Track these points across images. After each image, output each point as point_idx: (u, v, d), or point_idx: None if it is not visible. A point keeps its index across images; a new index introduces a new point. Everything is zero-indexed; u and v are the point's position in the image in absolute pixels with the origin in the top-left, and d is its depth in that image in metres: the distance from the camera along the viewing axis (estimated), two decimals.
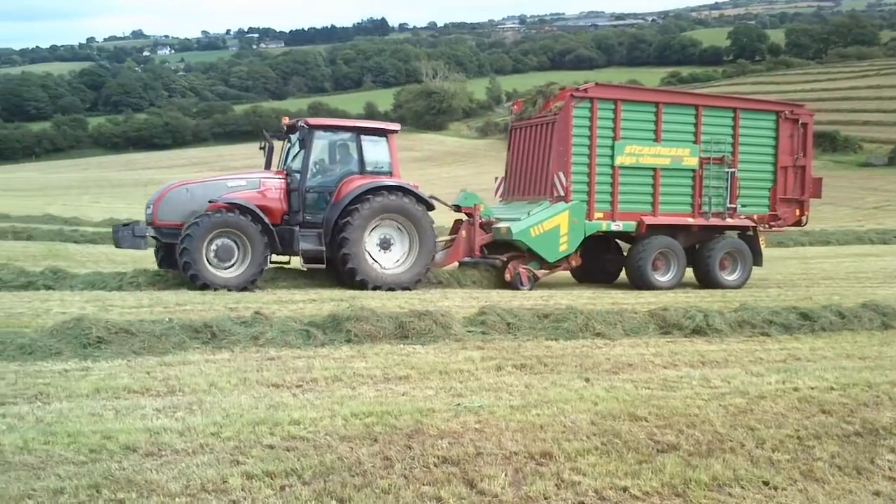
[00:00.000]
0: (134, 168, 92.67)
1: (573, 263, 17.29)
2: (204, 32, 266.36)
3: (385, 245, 15.48)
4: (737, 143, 18.08)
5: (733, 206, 17.98)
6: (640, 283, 17.11)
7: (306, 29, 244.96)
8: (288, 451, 5.75)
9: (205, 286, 13.82)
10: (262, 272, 14.50)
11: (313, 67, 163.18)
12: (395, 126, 16.43)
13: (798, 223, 19.28)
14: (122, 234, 14.74)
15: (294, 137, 15.80)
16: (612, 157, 16.99)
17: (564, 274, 18.37)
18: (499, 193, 19.18)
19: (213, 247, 14.11)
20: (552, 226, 16.47)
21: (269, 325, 9.81)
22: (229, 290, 13.82)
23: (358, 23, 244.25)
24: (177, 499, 4.83)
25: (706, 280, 17.84)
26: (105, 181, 78.04)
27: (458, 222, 17.39)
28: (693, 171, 17.68)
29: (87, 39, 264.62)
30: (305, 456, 5.63)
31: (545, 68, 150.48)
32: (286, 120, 16.19)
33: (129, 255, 19.20)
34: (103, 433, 5.96)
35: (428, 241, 15.47)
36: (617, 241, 18.65)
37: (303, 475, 5.27)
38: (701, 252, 17.87)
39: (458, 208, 17.22)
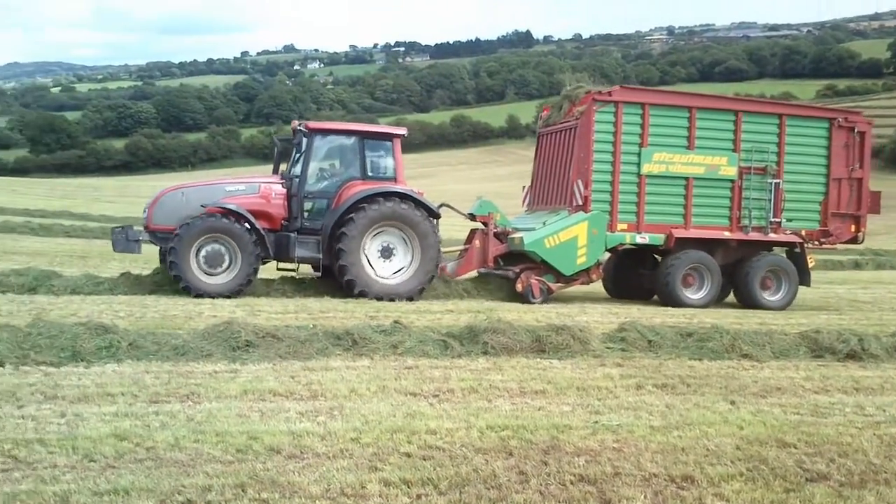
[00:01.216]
0: None
1: (594, 277, 16.37)
2: (352, 46, 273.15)
3: (387, 254, 14.81)
4: (782, 153, 16.78)
5: (777, 220, 16.72)
6: (668, 299, 16.11)
7: (451, 42, 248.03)
8: (424, 460, 5.79)
9: (198, 295, 13.54)
10: (250, 280, 14.07)
11: (457, 80, 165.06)
12: (401, 130, 15.92)
13: (853, 240, 17.58)
14: (117, 237, 14.56)
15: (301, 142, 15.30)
16: (639, 164, 16.06)
17: (596, 289, 17.70)
18: (525, 203, 18.51)
19: (203, 253, 13.84)
20: (569, 237, 15.58)
21: (407, 335, 9.93)
22: (213, 297, 13.46)
23: (502, 35, 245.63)
24: (317, 501, 4.93)
25: (745, 299, 16.67)
26: None
27: (473, 232, 16.72)
28: (731, 181, 16.53)
29: (242, 53, 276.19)
30: (441, 466, 5.65)
31: (694, 80, 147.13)
32: (295, 124, 15.41)
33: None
34: (249, 434, 6.17)
35: (430, 251, 14.71)
36: (655, 255, 17.36)
37: (438, 485, 5.29)
38: (740, 269, 16.64)
39: (472, 217, 16.61)
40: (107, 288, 13.86)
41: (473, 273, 16.68)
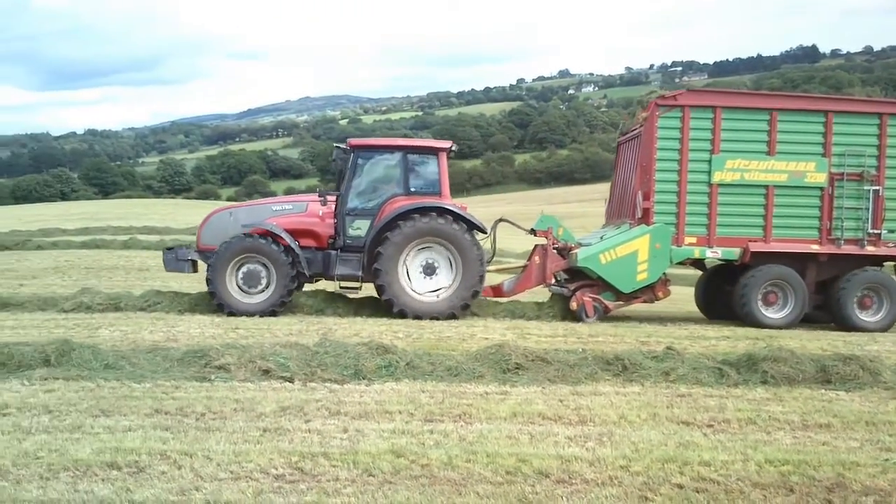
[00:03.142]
0: (553, 202, 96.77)
1: (660, 295, 14.89)
2: (627, 68, 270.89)
3: (430, 270, 14.33)
4: (883, 156, 14.66)
5: (878, 231, 14.65)
6: (745, 318, 14.64)
7: (731, 59, 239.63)
8: (697, 492, 5.58)
9: (231, 313, 13.72)
10: (284, 301, 14.00)
11: None
12: (446, 144, 15.17)
13: None
14: (167, 257, 14.89)
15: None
16: (710, 173, 14.57)
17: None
18: (606, 216, 17.14)
19: (242, 272, 14.01)
20: (627, 251, 14.40)
21: (680, 361, 9.64)
22: (248, 315, 13.62)
23: (786, 51, 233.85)
24: None
25: (839, 319, 14.77)
26: (521, 215, 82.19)
27: (535, 248, 15.66)
28: (820, 188, 14.64)
29: (518, 81, 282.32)
30: (716, 500, 5.43)
31: None
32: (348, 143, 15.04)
33: None
34: (518, 456, 6.23)
35: (472, 266, 14.10)
36: None
37: None
38: (833, 286, 14.77)
39: (533, 232, 15.72)
40: (386, 311, 14.59)
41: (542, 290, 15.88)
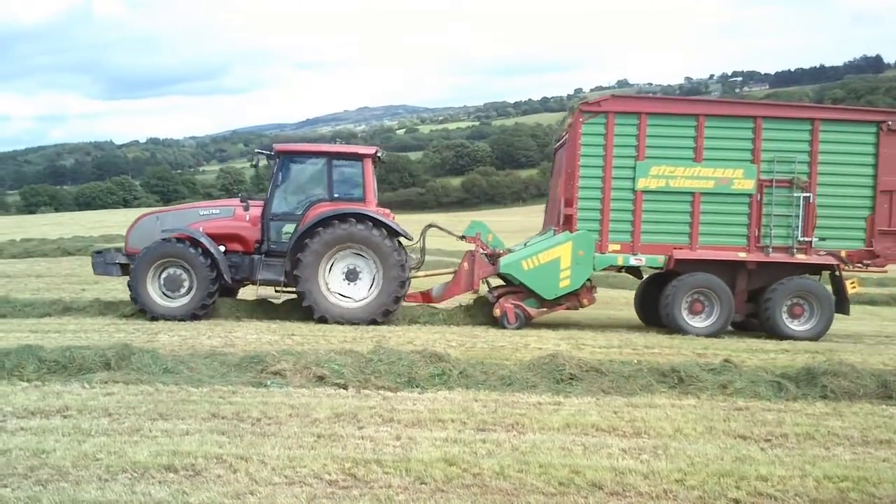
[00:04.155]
0: None
1: (585, 302, 14.69)
2: (687, 78, 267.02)
3: (352, 276, 14.32)
4: (815, 162, 14.31)
5: (808, 239, 14.28)
6: (669, 325, 14.41)
7: (793, 70, 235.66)
8: None
9: (153, 318, 13.79)
10: (205, 305, 14.02)
11: None
12: (371, 149, 14.99)
13: None
14: (96, 260, 14.92)
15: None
16: (634, 179, 14.29)
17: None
18: (543, 224, 16.87)
19: (164, 276, 14.05)
20: (550, 258, 14.24)
21: (738, 374, 9.51)
22: (168, 320, 13.67)
23: (849, 61, 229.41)
24: None
25: (768, 329, 14.45)
26: None
27: (466, 254, 15.43)
28: (749, 195, 14.31)
29: (575, 90, 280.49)
30: None
31: None
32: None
33: None
34: (571, 467, 6.20)
35: (392, 273, 14.04)
36: None
37: None
38: (762, 294, 14.47)
39: (463, 238, 15.71)
40: (441, 319, 14.64)
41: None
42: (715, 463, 6.47)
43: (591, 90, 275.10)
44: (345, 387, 8.77)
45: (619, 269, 15.12)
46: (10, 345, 10.07)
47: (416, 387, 8.91)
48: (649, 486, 5.87)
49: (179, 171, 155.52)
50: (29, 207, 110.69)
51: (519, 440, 6.97)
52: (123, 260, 14.72)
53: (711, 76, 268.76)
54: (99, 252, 15.24)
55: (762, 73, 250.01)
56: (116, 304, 15.11)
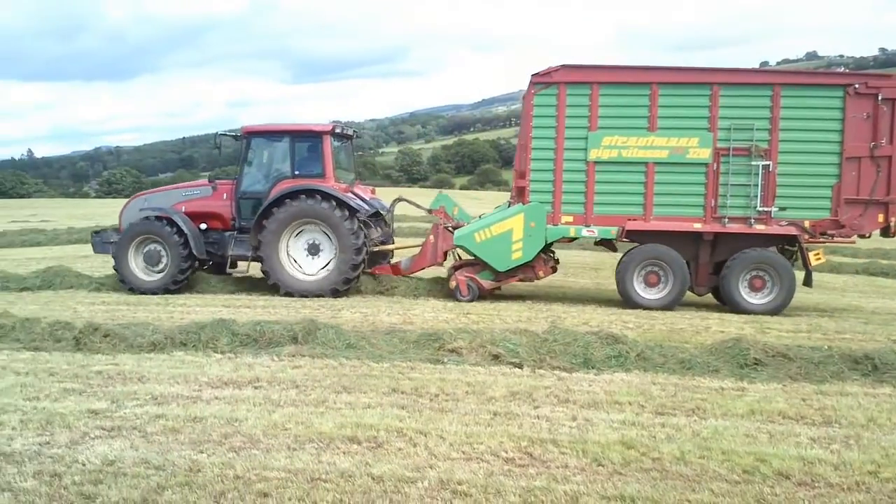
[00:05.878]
0: None
1: (541, 274, 14.57)
2: (881, 49, 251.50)
3: (314, 251, 14.87)
4: (776, 129, 13.55)
5: (767, 209, 13.49)
6: (622, 297, 14.14)
7: None
8: None
9: (131, 290, 14.89)
10: (177, 280, 14.87)
11: None
12: (326, 127, 15.29)
13: (885, 232, 13.76)
14: (95, 240, 16.11)
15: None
16: (586, 150, 13.89)
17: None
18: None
19: (143, 252, 15.06)
20: (502, 230, 14.08)
21: None
22: (147, 294, 14.67)
23: None
24: None
25: (727, 302, 13.92)
26: None
27: (433, 226, 15.63)
28: (705, 164, 13.70)
29: (761, 63, 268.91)
30: None
31: None
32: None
33: None
34: (757, 455, 5.98)
35: (349, 246, 14.41)
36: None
37: None
38: (721, 267, 13.88)
39: (430, 211, 16.01)
40: (616, 301, 14.44)
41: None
42: None
43: (778, 63, 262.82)
44: (520, 366, 8.82)
45: (571, 240, 14.79)
46: (205, 318, 10.70)
47: (592, 368, 8.84)
48: (840, 478, 5.59)
49: (360, 152, 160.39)
50: None
51: (700, 425, 6.79)
52: (116, 238, 15.75)
53: None
54: (97, 232, 16.64)
55: None
56: None
